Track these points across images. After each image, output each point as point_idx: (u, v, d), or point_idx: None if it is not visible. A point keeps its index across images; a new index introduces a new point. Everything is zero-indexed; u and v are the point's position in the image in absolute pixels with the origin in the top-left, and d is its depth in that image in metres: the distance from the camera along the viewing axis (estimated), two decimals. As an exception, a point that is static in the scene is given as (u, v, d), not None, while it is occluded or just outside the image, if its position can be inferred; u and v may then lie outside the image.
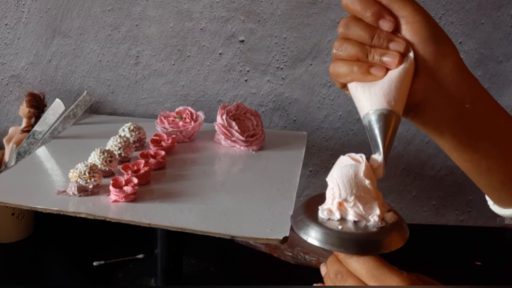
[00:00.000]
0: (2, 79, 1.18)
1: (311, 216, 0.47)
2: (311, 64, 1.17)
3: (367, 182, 0.45)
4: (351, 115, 1.19)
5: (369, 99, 0.47)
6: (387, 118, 0.46)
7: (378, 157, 0.47)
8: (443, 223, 1.27)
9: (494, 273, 1.09)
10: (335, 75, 0.49)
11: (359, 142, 1.20)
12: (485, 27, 1.15)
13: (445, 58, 0.46)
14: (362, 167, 0.46)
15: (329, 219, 0.47)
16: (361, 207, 0.46)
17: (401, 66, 0.46)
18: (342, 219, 0.47)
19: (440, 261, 1.07)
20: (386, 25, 0.46)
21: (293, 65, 1.17)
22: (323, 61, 1.17)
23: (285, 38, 1.16)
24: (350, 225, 0.46)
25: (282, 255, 1.06)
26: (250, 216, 0.76)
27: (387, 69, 0.47)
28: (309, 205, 0.49)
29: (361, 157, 0.47)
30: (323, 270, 0.50)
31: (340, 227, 0.46)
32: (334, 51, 0.48)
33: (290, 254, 1.05)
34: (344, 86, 0.50)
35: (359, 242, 0.45)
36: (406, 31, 0.46)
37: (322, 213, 0.47)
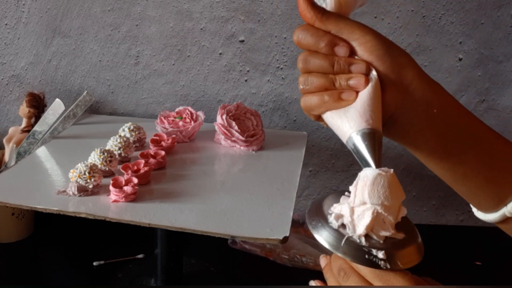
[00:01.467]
0: (2, 79, 1.18)
1: (325, 219, 0.47)
2: (311, 64, 1.17)
3: (392, 196, 0.45)
4: (351, 115, 1.19)
5: (348, 123, 0.48)
6: (370, 136, 0.47)
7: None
8: (443, 223, 1.27)
9: (494, 273, 1.09)
10: (308, 109, 0.50)
11: (359, 142, 1.20)
12: (485, 27, 1.15)
13: (403, 68, 0.48)
14: (387, 178, 0.46)
15: (342, 224, 0.47)
16: (380, 220, 0.46)
17: (369, 85, 0.48)
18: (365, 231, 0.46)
19: (440, 261, 1.07)
20: (341, 50, 0.48)
21: (293, 65, 1.17)
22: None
23: (285, 38, 1.16)
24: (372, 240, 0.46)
25: (278, 258, 1.05)
26: (250, 216, 0.76)
27: (357, 92, 0.48)
28: (328, 203, 0.49)
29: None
30: (323, 261, 0.51)
31: (363, 241, 0.45)
32: (301, 86, 0.50)
33: (286, 256, 1.05)
34: (319, 118, 0.51)
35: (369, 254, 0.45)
36: (361, 52, 0.48)
37: (341, 219, 0.47)
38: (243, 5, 1.14)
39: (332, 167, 1.23)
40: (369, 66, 0.48)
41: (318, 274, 1.07)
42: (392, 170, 0.46)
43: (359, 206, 0.46)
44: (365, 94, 0.48)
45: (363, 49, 0.48)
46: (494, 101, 1.19)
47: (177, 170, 0.91)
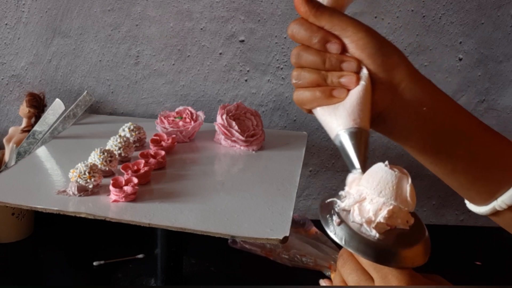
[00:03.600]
0: (2, 79, 1.18)
1: (346, 220, 0.47)
2: (311, 64, 1.17)
3: (409, 195, 0.45)
4: (351, 115, 1.19)
5: (336, 120, 0.49)
6: (357, 135, 0.48)
7: (356, 173, 0.48)
8: (443, 223, 1.27)
9: (494, 273, 1.09)
10: (300, 103, 0.51)
11: (359, 142, 1.19)
12: (485, 27, 1.15)
13: (395, 67, 0.49)
14: (408, 180, 0.46)
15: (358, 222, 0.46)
16: (394, 216, 0.46)
17: (359, 84, 0.48)
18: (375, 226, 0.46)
19: (440, 261, 1.07)
20: (333, 47, 0.49)
21: (293, 65, 1.17)
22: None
23: (285, 38, 1.16)
24: (384, 234, 0.46)
25: (278, 258, 1.05)
26: (250, 216, 0.76)
27: (348, 90, 0.49)
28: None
29: (405, 170, 0.47)
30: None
31: (376, 236, 0.45)
32: (294, 80, 0.51)
33: (286, 256, 1.05)
34: (311, 111, 0.52)
35: (380, 252, 0.45)
36: (353, 49, 0.48)
37: (356, 217, 0.47)
38: (243, 5, 1.14)
39: (332, 167, 1.23)
40: (360, 64, 0.48)
41: (318, 274, 1.08)
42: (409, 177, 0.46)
43: (375, 200, 0.46)
44: (355, 92, 0.48)
45: (355, 47, 0.48)
46: (494, 101, 1.19)
47: (177, 170, 0.91)
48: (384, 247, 0.45)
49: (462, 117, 0.51)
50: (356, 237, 0.45)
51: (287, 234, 0.71)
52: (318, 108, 0.50)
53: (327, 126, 0.50)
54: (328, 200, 0.49)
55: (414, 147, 0.52)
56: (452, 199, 1.25)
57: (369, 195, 0.46)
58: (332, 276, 0.50)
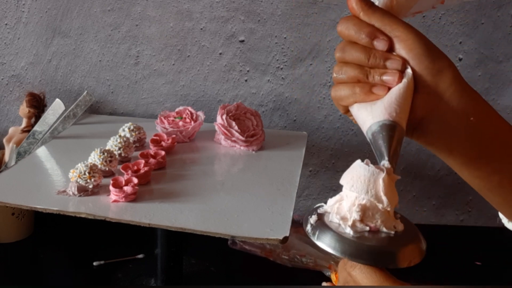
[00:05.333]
0: (2, 79, 1.18)
1: (323, 220, 0.46)
2: (311, 64, 1.17)
3: (382, 189, 0.44)
4: (351, 115, 1.19)
5: (371, 113, 0.47)
6: (390, 128, 0.46)
7: (385, 163, 0.46)
8: (443, 223, 1.27)
9: (494, 273, 1.09)
10: (338, 99, 0.50)
11: (359, 142, 1.20)
12: (485, 27, 1.15)
13: (441, 72, 0.47)
14: (383, 174, 0.44)
15: (339, 224, 0.45)
16: (369, 213, 0.44)
17: (401, 83, 0.47)
18: (354, 226, 0.45)
19: (440, 261, 1.07)
20: (380, 44, 0.47)
21: (293, 65, 1.17)
22: (323, 61, 1.17)
23: (285, 38, 1.16)
24: (363, 233, 0.45)
25: (278, 259, 1.05)
26: (250, 216, 0.76)
27: (389, 88, 0.47)
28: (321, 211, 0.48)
29: (383, 165, 0.46)
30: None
31: (351, 233, 0.44)
32: (334, 75, 0.49)
33: (286, 257, 1.05)
34: (347, 111, 0.50)
35: (374, 253, 0.43)
36: (400, 49, 0.47)
37: (334, 217, 0.46)
38: (243, 5, 1.14)
39: (332, 167, 1.23)
40: (405, 63, 0.47)
41: (318, 274, 1.07)
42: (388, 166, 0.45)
43: (348, 195, 0.45)
44: (395, 90, 0.47)
45: (403, 46, 0.47)
46: (494, 101, 1.19)
47: (177, 170, 0.91)
48: (358, 245, 0.43)
49: (508, 129, 0.49)
50: (334, 236, 0.44)
51: (287, 234, 0.71)
52: (355, 105, 0.49)
53: (361, 121, 0.48)
54: (315, 206, 0.48)
55: (457, 159, 0.50)
56: (452, 199, 1.25)
57: (345, 192, 0.45)
58: (332, 276, 0.50)
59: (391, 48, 0.47)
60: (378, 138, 0.46)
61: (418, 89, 0.47)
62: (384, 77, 0.47)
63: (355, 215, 0.44)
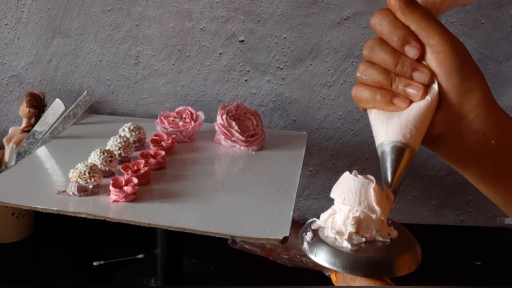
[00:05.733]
0: (2, 79, 1.18)
1: (318, 236, 0.46)
2: (311, 64, 1.17)
3: (374, 200, 0.44)
4: (351, 115, 1.19)
5: (385, 129, 0.46)
6: (400, 152, 0.45)
7: (386, 190, 0.45)
8: (443, 223, 1.27)
9: (494, 273, 1.09)
10: (357, 100, 0.48)
11: (359, 142, 1.20)
12: (485, 27, 1.15)
13: (470, 92, 0.44)
14: (373, 184, 0.44)
15: (335, 238, 0.45)
16: (364, 224, 0.44)
17: (424, 99, 0.45)
18: (349, 238, 0.44)
19: (440, 261, 1.07)
20: (412, 51, 0.45)
21: (293, 65, 1.17)
22: (323, 61, 1.17)
23: (285, 38, 1.16)
24: (360, 245, 0.44)
25: (278, 259, 1.05)
26: (250, 216, 0.76)
27: (410, 101, 0.45)
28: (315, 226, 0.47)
29: (371, 176, 0.45)
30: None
31: (348, 247, 0.44)
32: (358, 74, 0.47)
33: (286, 257, 1.05)
34: (365, 109, 0.49)
35: (372, 265, 0.43)
36: (431, 60, 0.44)
37: (329, 231, 0.45)
38: (243, 5, 1.14)
39: (332, 167, 1.23)
40: (433, 78, 0.44)
41: (318, 274, 1.07)
42: (373, 180, 0.44)
43: (341, 209, 0.45)
44: (416, 107, 0.45)
45: (434, 58, 0.44)
46: (494, 101, 1.19)
47: (177, 170, 0.91)
48: (356, 258, 0.43)
49: None
50: (332, 251, 0.43)
51: (287, 234, 0.71)
52: (373, 110, 0.47)
53: (375, 131, 0.47)
54: (308, 222, 0.47)
55: (473, 174, 0.48)
56: (452, 199, 1.25)
57: (337, 206, 0.45)
58: (332, 276, 0.50)
59: (422, 56, 0.45)
60: (386, 160, 0.45)
61: (442, 106, 0.45)
62: (408, 90, 0.45)
63: (351, 228, 0.44)
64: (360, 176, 0.44)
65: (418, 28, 0.44)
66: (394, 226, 0.46)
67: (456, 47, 0.44)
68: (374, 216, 0.44)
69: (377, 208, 0.44)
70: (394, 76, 0.45)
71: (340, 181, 0.45)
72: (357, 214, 0.44)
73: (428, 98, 0.44)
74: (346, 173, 0.45)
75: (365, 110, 0.49)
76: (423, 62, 0.45)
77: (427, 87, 0.45)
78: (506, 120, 0.46)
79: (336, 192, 0.45)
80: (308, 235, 0.45)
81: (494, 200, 0.50)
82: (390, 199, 0.45)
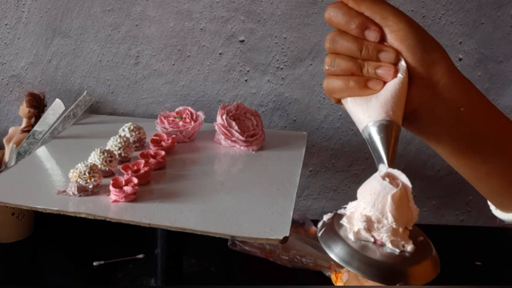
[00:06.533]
0: (2, 79, 1.18)
1: (336, 231, 0.46)
2: (311, 64, 1.17)
3: (389, 206, 0.44)
4: (351, 115, 1.19)
5: (367, 111, 0.46)
6: (388, 128, 0.46)
7: (383, 168, 0.46)
8: (443, 223, 1.27)
9: (494, 273, 1.09)
10: (331, 91, 0.49)
11: (359, 142, 1.20)
12: (485, 27, 1.15)
13: (435, 63, 0.46)
14: (394, 191, 0.44)
15: (357, 238, 0.45)
16: (375, 226, 0.44)
17: (396, 77, 0.46)
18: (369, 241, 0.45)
19: (440, 261, 1.07)
20: (372, 35, 0.46)
21: (293, 65, 1.17)
22: (323, 61, 1.16)
23: (285, 38, 1.16)
24: (367, 243, 0.45)
25: (278, 259, 1.05)
26: (250, 216, 0.76)
27: (384, 82, 0.46)
28: (339, 217, 0.48)
29: (381, 170, 0.45)
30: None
31: (352, 239, 0.44)
32: (326, 67, 0.48)
33: (286, 257, 1.05)
34: (340, 101, 0.50)
35: (383, 271, 0.43)
36: (392, 40, 0.46)
37: (345, 221, 0.46)
38: (243, 5, 1.14)
39: (332, 167, 1.23)
40: (398, 56, 0.46)
41: (318, 275, 1.07)
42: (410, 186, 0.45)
43: (359, 204, 0.45)
44: (391, 85, 0.46)
45: (394, 37, 0.46)
46: (494, 101, 1.19)
47: (177, 170, 0.91)
48: (373, 263, 0.43)
49: (499, 120, 0.50)
50: (359, 257, 0.44)
51: (287, 234, 0.71)
52: (349, 99, 0.48)
53: (356, 118, 0.48)
54: (328, 225, 0.47)
55: (446, 148, 0.50)
56: (452, 199, 1.25)
57: (358, 200, 0.45)
58: (332, 276, 0.50)
59: (383, 39, 0.46)
60: (376, 140, 0.46)
61: (412, 80, 0.46)
62: (379, 71, 0.46)
63: (360, 225, 0.44)
64: (386, 180, 0.44)
65: (372, 13, 0.46)
66: (421, 244, 0.46)
67: (411, 23, 0.46)
68: (385, 221, 0.44)
69: (389, 214, 0.44)
70: (362, 62, 0.47)
71: (369, 179, 0.46)
72: (369, 214, 0.44)
73: (399, 75, 0.46)
74: (376, 173, 0.45)
75: (338, 101, 0.50)
76: (386, 44, 0.46)
77: (395, 65, 0.46)
78: (472, 87, 0.49)
79: (361, 188, 0.45)
80: (327, 216, 0.47)
81: (466, 175, 0.51)
82: (414, 212, 0.45)
